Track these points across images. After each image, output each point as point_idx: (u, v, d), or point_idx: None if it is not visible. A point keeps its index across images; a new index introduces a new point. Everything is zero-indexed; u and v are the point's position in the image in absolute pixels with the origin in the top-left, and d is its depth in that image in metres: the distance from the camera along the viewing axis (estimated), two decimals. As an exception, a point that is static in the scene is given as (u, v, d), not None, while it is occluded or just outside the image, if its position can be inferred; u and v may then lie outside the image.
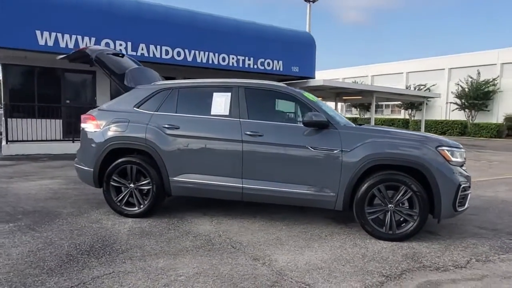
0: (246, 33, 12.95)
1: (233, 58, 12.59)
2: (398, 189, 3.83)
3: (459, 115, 30.65)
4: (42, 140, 10.67)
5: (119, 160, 4.36)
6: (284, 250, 3.53)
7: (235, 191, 4.16)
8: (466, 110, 29.85)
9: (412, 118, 33.95)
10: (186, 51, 11.66)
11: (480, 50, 31.48)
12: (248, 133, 4.11)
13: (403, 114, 36.08)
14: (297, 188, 4.03)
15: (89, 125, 4.56)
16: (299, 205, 4.20)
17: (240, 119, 4.20)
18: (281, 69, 13.77)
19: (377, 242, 3.81)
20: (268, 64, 13.43)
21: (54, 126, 10.85)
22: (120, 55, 5.23)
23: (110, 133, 4.39)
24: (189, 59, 11.73)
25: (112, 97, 13.03)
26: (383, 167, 3.92)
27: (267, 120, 4.21)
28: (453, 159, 3.88)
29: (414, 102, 31.31)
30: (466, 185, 3.91)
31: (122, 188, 4.46)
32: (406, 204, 3.87)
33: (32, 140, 10.51)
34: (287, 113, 4.43)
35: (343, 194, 3.93)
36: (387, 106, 38.03)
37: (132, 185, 4.37)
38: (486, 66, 29.42)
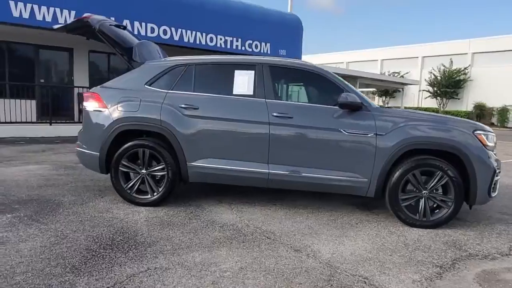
0: (234, 13, 12.45)
1: (220, 39, 12.08)
2: (432, 174, 3.68)
3: (431, 103, 31.56)
4: (14, 122, 9.81)
5: (130, 144, 3.94)
6: (321, 239, 3.30)
7: (260, 177, 3.87)
8: (438, 98, 30.76)
9: (386, 105, 34.64)
10: (173, 29, 11.04)
11: (452, 39, 32.35)
12: (275, 114, 3.81)
13: (377, 101, 36.73)
14: (327, 174, 3.79)
15: (93, 104, 4.08)
16: (328, 191, 3.98)
17: (266, 100, 3.88)
18: (269, 51, 13.41)
19: (411, 229, 3.67)
20: (256, 46, 13.02)
21: (30, 107, 10.00)
22: (122, 27, 4.71)
23: (119, 113, 3.95)
24: (176, 38, 11.12)
25: (91, 77, 12.23)
26: (416, 152, 3.75)
27: (295, 101, 3.92)
28: (488, 143, 3.77)
29: (389, 90, 31.88)
30: (499, 170, 3.83)
31: (132, 174, 4.07)
32: (440, 190, 3.74)
33: (4, 122, 9.65)
34: (319, 93, 4.15)
35: (376, 180, 3.74)
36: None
37: (144, 170, 3.98)
38: (458, 55, 30.30)
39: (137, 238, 3.14)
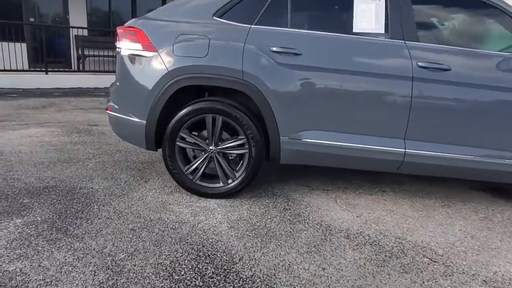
0: None
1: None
2: None
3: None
4: (3, 70, 8.22)
5: (193, 107, 2.60)
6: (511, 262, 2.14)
7: (391, 159, 2.61)
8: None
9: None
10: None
11: None
12: (422, 65, 2.47)
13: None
14: (497, 156, 2.55)
15: (134, 46, 2.67)
16: (487, 180, 2.76)
17: (406, 42, 2.52)
18: None
19: None
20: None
21: (20, 52, 8.34)
22: None
23: (178, 60, 2.56)
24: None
25: (89, 16, 10.42)
26: None
27: (454, 45, 2.57)
28: None
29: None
30: None
31: (195, 151, 2.79)
32: None
33: (-10, 70, 8.07)
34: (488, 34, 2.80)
35: None
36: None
37: (212, 147, 2.68)
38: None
39: (237, 267, 1.92)
